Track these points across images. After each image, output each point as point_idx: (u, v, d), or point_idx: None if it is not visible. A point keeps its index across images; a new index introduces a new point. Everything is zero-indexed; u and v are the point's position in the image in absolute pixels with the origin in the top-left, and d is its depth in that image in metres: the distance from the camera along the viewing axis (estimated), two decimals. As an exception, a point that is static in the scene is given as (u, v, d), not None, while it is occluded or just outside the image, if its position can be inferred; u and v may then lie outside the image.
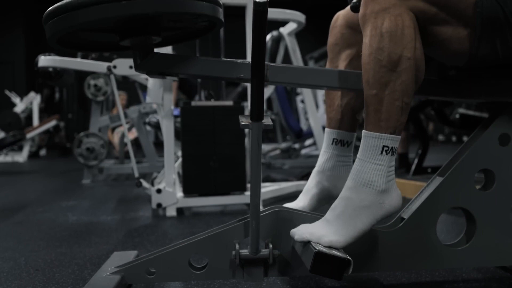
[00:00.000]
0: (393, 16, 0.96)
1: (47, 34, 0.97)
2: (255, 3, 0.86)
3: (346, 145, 1.23)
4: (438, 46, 1.03)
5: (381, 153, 0.97)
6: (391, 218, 1.08)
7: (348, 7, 1.21)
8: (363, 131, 1.00)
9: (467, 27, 0.99)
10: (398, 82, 0.96)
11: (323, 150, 1.24)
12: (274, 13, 2.74)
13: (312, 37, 8.09)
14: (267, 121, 0.98)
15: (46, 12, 0.95)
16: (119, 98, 3.23)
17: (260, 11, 0.87)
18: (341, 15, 1.25)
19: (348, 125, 1.23)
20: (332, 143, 1.23)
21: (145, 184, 2.50)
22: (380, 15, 0.96)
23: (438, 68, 1.20)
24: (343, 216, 0.98)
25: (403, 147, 3.62)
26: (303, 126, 5.05)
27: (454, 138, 10.34)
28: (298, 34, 3.17)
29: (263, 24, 0.89)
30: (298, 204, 1.23)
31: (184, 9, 0.93)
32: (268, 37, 3.57)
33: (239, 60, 1.08)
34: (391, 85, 0.96)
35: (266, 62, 0.99)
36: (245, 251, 1.08)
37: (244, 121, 0.98)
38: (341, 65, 1.24)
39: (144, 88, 3.27)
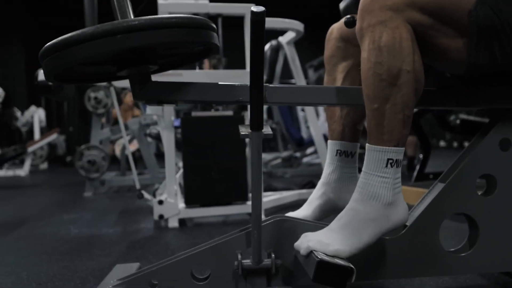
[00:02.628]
0: (390, 29, 0.95)
1: (44, 71, 0.98)
2: (253, 13, 0.86)
3: (350, 156, 1.23)
4: (437, 56, 1.03)
5: (386, 166, 0.97)
6: (397, 231, 1.07)
7: (342, 21, 1.22)
8: (367, 144, 1.00)
9: (463, 36, 0.99)
10: (398, 95, 0.95)
11: (328, 162, 1.25)
12: (272, 22, 2.75)
13: (312, 46, 8.10)
14: (267, 130, 0.98)
15: (42, 50, 0.95)
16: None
17: (257, 21, 0.88)
18: (335, 28, 1.26)
19: (350, 135, 1.23)
20: (336, 155, 1.23)
21: (146, 195, 2.49)
22: (377, 29, 0.96)
23: (437, 78, 1.20)
24: (349, 227, 0.98)
25: (413, 151, 3.60)
26: (304, 135, 5.05)
27: (455, 144, 10.33)
28: (297, 43, 3.19)
29: (260, 34, 0.89)
30: (301, 213, 1.23)
31: (178, 38, 0.93)
32: (267, 46, 3.58)
33: (236, 84, 1.09)
34: (392, 98, 0.95)
35: (264, 84, 0.99)
36: (247, 261, 1.07)
37: (243, 131, 0.98)
38: (339, 77, 1.24)
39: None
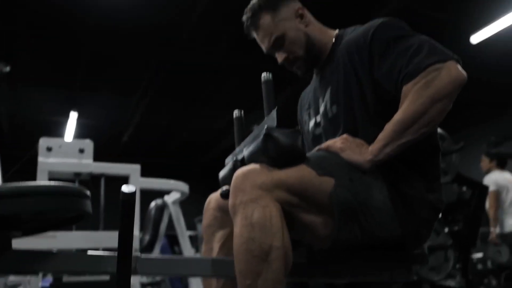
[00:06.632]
0: (261, 207, 1.00)
1: None
2: (123, 194, 0.87)
3: None
4: (304, 231, 1.09)
5: None
6: None
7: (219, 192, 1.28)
8: None
9: (327, 214, 1.07)
10: (269, 271, 0.97)
11: None
12: (157, 183, 2.80)
13: (202, 199, 8.19)
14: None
15: None
16: None
17: (127, 201, 0.88)
18: (213, 199, 1.31)
19: None
20: None
21: None
22: (249, 206, 1.00)
23: (307, 252, 1.26)
24: None
25: None
26: None
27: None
28: (183, 202, 3.22)
29: (130, 212, 0.89)
30: None
31: (43, 207, 0.89)
32: (152, 204, 3.58)
33: (105, 254, 1.05)
34: (263, 274, 0.97)
35: (134, 254, 0.97)
36: None
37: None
38: (215, 246, 1.26)
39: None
